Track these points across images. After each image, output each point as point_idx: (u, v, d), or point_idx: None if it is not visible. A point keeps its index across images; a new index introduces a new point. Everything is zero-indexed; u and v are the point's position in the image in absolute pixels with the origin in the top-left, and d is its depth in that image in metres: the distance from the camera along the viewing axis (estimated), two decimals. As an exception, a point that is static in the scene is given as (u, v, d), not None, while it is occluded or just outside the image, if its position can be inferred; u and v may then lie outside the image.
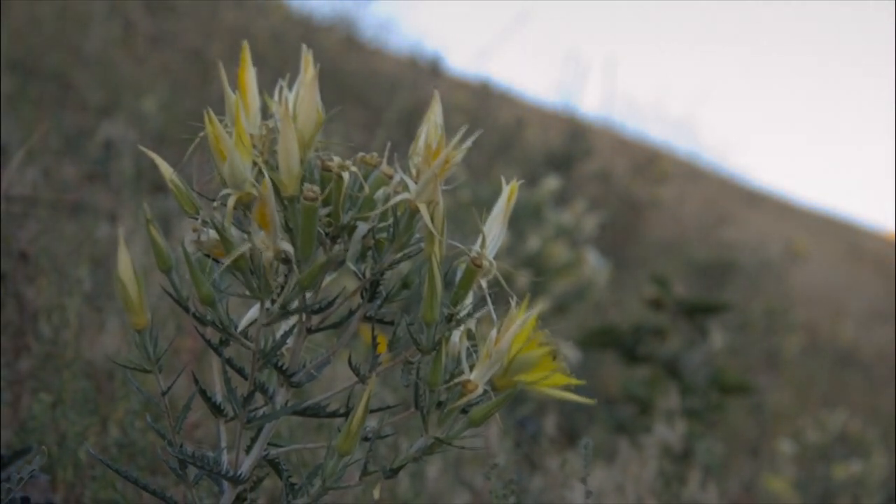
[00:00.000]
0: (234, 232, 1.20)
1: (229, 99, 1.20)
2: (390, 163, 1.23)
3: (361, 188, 1.22)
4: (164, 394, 1.26)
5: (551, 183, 4.27)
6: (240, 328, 1.26)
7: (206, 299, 1.22)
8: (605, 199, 6.96)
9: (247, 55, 1.21)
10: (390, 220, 1.22)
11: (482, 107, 7.61)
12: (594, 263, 4.22)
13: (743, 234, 9.05)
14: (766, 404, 4.97)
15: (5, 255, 2.39)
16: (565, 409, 3.81)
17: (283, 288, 1.21)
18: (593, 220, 4.36)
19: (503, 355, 1.21)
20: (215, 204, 1.20)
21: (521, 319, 1.20)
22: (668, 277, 4.10)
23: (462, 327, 1.24)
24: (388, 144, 1.24)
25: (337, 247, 1.22)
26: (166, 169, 1.25)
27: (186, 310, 1.24)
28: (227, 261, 1.18)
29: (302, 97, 1.19)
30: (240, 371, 1.27)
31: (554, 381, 1.22)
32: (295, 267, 1.20)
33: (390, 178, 1.21)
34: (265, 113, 1.23)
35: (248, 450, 1.28)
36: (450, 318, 1.23)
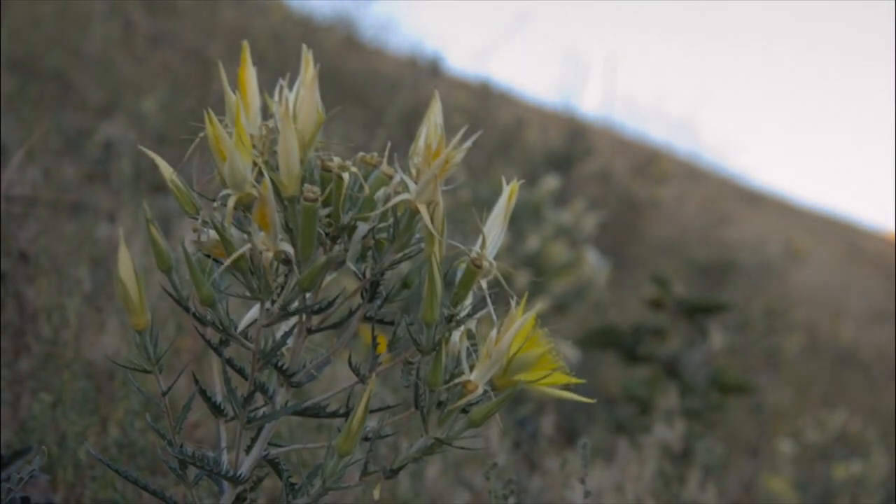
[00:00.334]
0: (234, 232, 1.20)
1: (229, 99, 1.20)
2: (390, 163, 1.23)
3: (361, 188, 1.22)
4: (164, 394, 1.26)
5: (551, 183, 4.27)
6: (240, 328, 1.26)
7: (207, 300, 1.22)
8: (605, 199, 6.96)
9: (247, 55, 1.21)
10: (390, 221, 1.22)
11: (482, 107, 7.61)
12: (594, 263, 4.22)
13: (743, 234, 9.05)
14: (766, 404, 4.97)
15: (5, 255, 2.39)
16: (565, 409, 3.81)
17: (283, 288, 1.21)
18: (593, 220, 4.36)
19: (503, 355, 1.21)
20: (215, 204, 1.20)
21: (521, 319, 1.20)
22: (668, 277, 4.11)
23: (462, 327, 1.24)
24: (389, 144, 1.24)
25: (337, 247, 1.22)
26: (166, 169, 1.25)
27: (187, 310, 1.24)
28: (227, 262, 1.18)
29: (302, 97, 1.19)
30: (240, 371, 1.27)
31: (553, 381, 1.23)
32: (295, 267, 1.20)
33: (390, 178, 1.21)
34: (265, 113, 1.23)
35: (248, 450, 1.28)
36: (450, 319, 1.23)
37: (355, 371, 1.26)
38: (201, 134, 1.19)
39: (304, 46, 1.20)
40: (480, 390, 1.21)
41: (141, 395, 1.29)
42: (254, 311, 1.25)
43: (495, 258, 1.24)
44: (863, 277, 10.47)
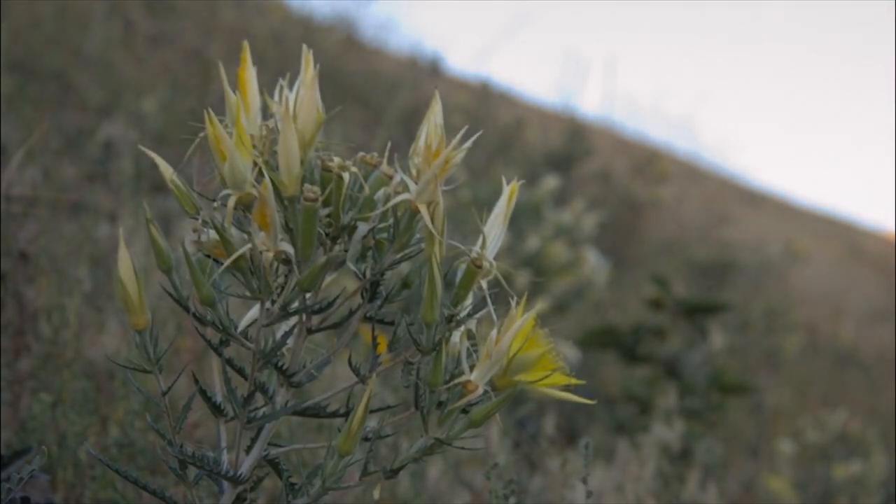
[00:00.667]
0: (234, 232, 1.20)
1: (230, 99, 1.20)
2: (390, 163, 1.23)
3: (361, 189, 1.22)
4: (164, 394, 1.26)
5: (551, 183, 4.27)
6: (240, 328, 1.25)
7: (207, 300, 1.22)
8: (605, 199, 6.96)
9: (247, 55, 1.21)
10: (390, 221, 1.22)
11: (482, 107, 7.61)
12: (594, 263, 4.21)
13: (743, 234, 9.05)
14: (766, 404, 4.97)
15: (5, 255, 2.39)
16: (565, 409, 3.81)
17: (283, 288, 1.21)
18: (593, 220, 4.35)
19: (503, 355, 1.20)
20: (215, 204, 1.20)
21: (521, 320, 1.20)
22: (668, 277, 4.11)
23: (462, 328, 1.24)
24: (389, 144, 1.24)
25: (337, 247, 1.22)
26: (166, 169, 1.25)
27: (187, 310, 1.24)
28: (227, 262, 1.18)
29: (302, 97, 1.19)
30: (240, 371, 1.27)
31: (554, 381, 1.23)
32: (295, 268, 1.20)
33: (390, 178, 1.21)
34: (265, 113, 1.23)
35: (248, 450, 1.28)
36: (450, 319, 1.22)
37: (355, 371, 1.26)
38: (201, 134, 1.19)
39: (305, 46, 1.20)
40: (481, 390, 1.21)
41: (141, 395, 1.29)
42: (254, 311, 1.25)
43: (495, 258, 1.24)
44: (863, 277, 10.47)
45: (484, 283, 1.23)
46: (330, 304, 1.24)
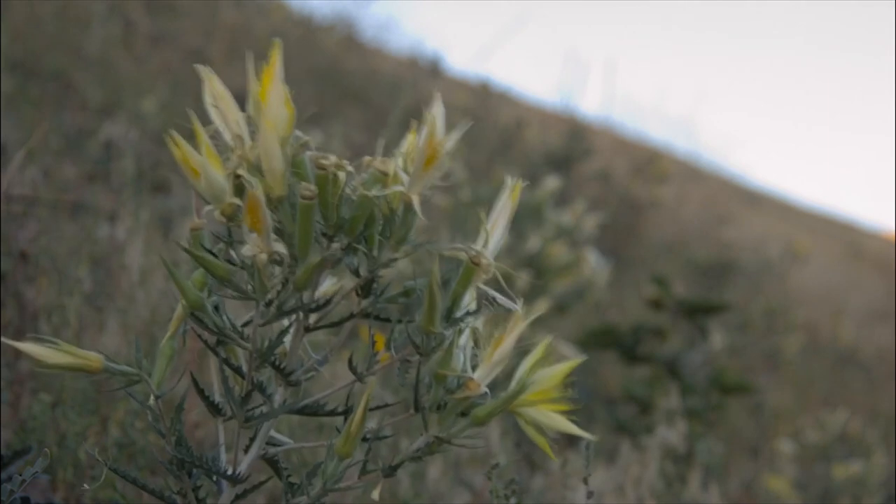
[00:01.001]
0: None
1: (196, 126, 1.18)
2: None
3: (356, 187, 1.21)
4: (157, 398, 1.26)
5: (551, 183, 4.27)
6: (238, 328, 1.25)
7: (195, 305, 1.22)
8: (605, 199, 6.96)
9: (211, 75, 1.20)
10: (381, 216, 1.21)
11: (482, 107, 7.61)
12: (594, 263, 4.21)
13: (743, 234, 9.05)
14: (766, 404, 4.97)
15: (5, 255, 2.39)
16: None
17: (282, 287, 1.21)
18: (593, 220, 4.35)
19: (505, 358, 1.20)
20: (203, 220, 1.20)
21: (522, 325, 1.20)
22: (668, 277, 4.10)
23: (462, 326, 1.24)
24: (384, 143, 1.24)
25: (334, 245, 1.21)
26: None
27: (215, 352, 1.24)
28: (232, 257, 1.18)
29: (269, 94, 1.18)
30: (237, 370, 1.26)
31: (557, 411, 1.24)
32: (285, 267, 1.19)
33: (385, 175, 1.20)
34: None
35: (247, 449, 1.28)
36: (448, 317, 1.22)
37: (353, 370, 1.26)
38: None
39: (278, 40, 1.18)
40: (482, 390, 1.21)
41: (141, 396, 1.29)
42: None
43: (497, 259, 1.24)
44: (863, 277, 10.47)
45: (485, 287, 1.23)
46: (327, 303, 1.24)
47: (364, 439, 1.24)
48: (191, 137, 1.18)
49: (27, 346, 1.22)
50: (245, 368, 1.25)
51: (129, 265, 2.70)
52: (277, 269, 1.20)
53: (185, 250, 1.19)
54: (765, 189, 12.48)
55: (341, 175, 1.19)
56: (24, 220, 2.60)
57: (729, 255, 7.86)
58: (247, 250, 1.16)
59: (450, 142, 1.18)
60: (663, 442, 2.91)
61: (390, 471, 1.24)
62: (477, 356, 1.23)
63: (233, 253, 1.20)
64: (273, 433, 1.30)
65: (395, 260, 1.22)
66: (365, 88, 6.83)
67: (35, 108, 4.00)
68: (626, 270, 6.37)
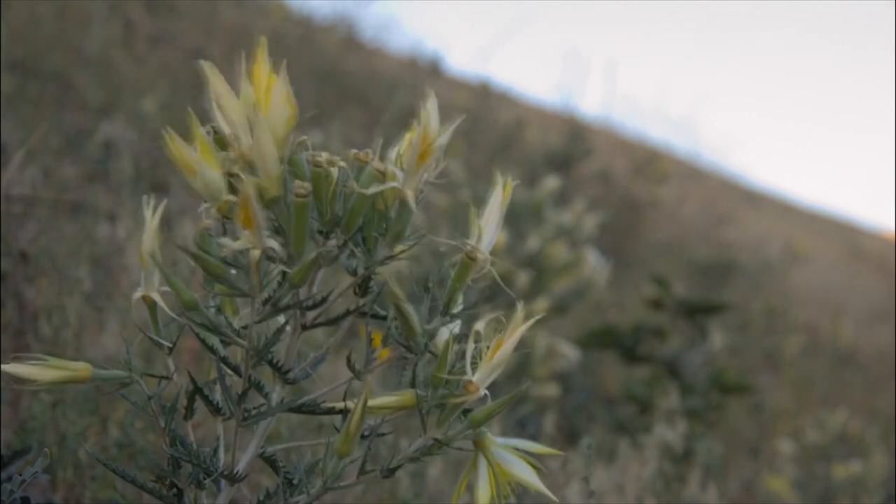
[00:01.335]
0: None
1: (193, 121, 1.19)
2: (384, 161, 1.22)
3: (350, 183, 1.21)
4: (149, 398, 1.27)
5: (551, 183, 4.27)
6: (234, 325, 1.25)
7: (189, 304, 1.22)
8: (605, 199, 6.96)
9: (214, 72, 1.20)
10: (377, 213, 1.21)
11: (482, 107, 7.61)
12: (594, 263, 4.21)
13: (743, 234, 9.05)
14: (766, 404, 4.97)
15: (5, 255, 2.39)
16: (565, 409, 3.81)
17: (279, 284, 1.21)
18: (593, 220, 4.35)
19: (505, 359, 1.20)
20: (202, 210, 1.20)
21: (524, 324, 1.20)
22: (668, 277, 4.11)
23: (453, 324, 1.24)
24: (381, 141, 1.24)
25: (331, 242, 1.21)
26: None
27: (213, 352, 1.24)
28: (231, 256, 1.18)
29: (272, 94, 1.18)
30: (235, 369, 1.26)
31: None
32: (281, 264, 1.19)
33: (382, 173, 1.20)
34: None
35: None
36: (445, 312, 1.23)
37: (351, 368, 1.26)
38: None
39: (264, 39, 1.18)
40: (482, 392, 1.20)
41: (141, 400, 1.29)
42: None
43: (494, 260, 1.24)
44: (863, 277, 10.46)
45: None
46: (323, 300, 1.24)
47: (363, 437, 1.24)
48: (191, 137, 1.19)
49: (14, 369, 1.23)
50: (242, 367, 1.25)
51: (129, 265, 2.70)
52: (273, 267, 1.20)
53: (181, 248, 1.19)
54: (765, 189, 12.48)
55: (334, 171, 1.19)
56: (24, 220, 2.60)
57: (729, 255, 7.86)
58: (239, 245, 1.16)
59: (444, 136, 1.18)
60: (661, 440, 2.91)
61: (389, 472, 1.24)
62: (476, 357, 1.23)
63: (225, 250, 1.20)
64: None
65: (392, 257, 1.22)
66: (365, 88, 6.83)
67: (35, 108, 4.00)
68: (626, 270, 6.36)
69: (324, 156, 1.19)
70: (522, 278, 3.64)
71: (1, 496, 1.40)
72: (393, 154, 1.22)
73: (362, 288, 1.24)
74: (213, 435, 1.32)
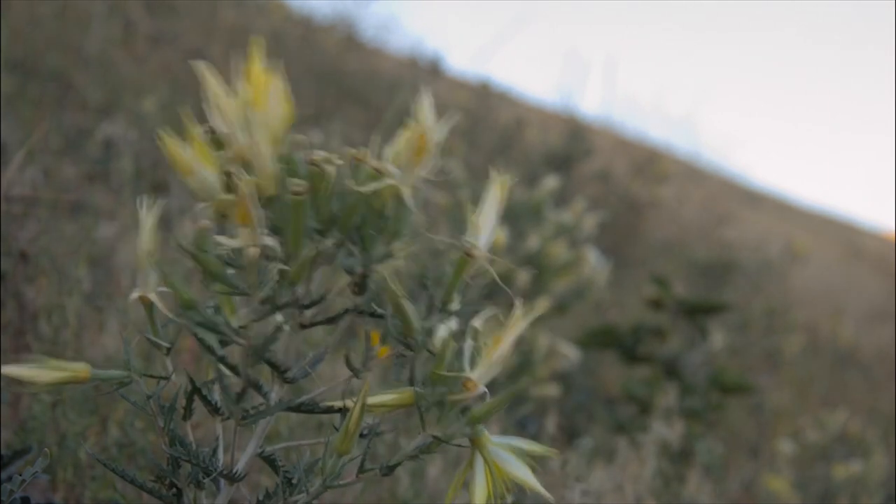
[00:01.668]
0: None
1: (188, 122, 1.19)
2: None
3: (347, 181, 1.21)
4: (149, 398, 1.27)
5: (551, 183, 4.26)
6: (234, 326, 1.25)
7: (187, 304, 1.22)
8: (605, 199, 6.96)
9: (208, 73, 1.20)
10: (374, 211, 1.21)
11: (482, 107, 7.60)
12: (594, 263, 4.21)
13: (743, 234, 9.05)
14: (766, 404, 4.97)
15: (5, 255, 2.39)
16: (565, 409, 3.81)
17: (276, 283, 1.21)
18: (593, 220, 4.35)
19: (504, 357, 1.20)
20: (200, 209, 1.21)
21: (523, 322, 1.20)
22: (668, 277, 4.11)
23: (451, 322, 1.24)
24: (378, 139, 1.24)
25: (328, 241, 1.21)
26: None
27: (208, 348, 1.24)
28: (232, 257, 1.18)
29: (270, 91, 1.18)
30: (233, 369, 1.27)
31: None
32: (278, 262, 1.19)
33: (379, 171, 1.20)
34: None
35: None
36: (443, 309, 1.23)
37: (350, 366, 1.26)
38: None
39: (260, 38, 1.19)
40: (480, 389, 1.21)
41: (140, 399, 1.29)
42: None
43: (493, 258, 1.24)
44: (863, 277, 10.46)
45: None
46: (321, 299, 1.24)
47: (362, 435, 1.24)
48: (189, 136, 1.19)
49: (14, 370, 1.23)
50: (240, 366, 1.25)
51: (127, 264, 2.70)
52: (271, 266, 1.20)
53: (179, 247, 1.19)
54: (765, 189, 12.48)
55: (330, 169, 1.19)
56: (24, 220, 2.60)
57: (729, 255, 7.86)
58: (236, 242, 1.16)
59: (439, 132, 1.18)
60: (659, 438, 2.91)
61: (388, 470, 1.24)
62: (476, 355, 1.23)
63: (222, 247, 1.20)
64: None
65: (390, 256, 1.22)
66: (365, 88, 6.83)
67: (35, 108, 4.00)
68: (626, 270, 6.36)
69: (320, 154, 1.19)
70: (522, 278, 3.64)
71: (1, 496, 1.40)
72: (390, 152, 1.22)
73: (360, 286, 1.24)
74: (212, 435, 1.32)
